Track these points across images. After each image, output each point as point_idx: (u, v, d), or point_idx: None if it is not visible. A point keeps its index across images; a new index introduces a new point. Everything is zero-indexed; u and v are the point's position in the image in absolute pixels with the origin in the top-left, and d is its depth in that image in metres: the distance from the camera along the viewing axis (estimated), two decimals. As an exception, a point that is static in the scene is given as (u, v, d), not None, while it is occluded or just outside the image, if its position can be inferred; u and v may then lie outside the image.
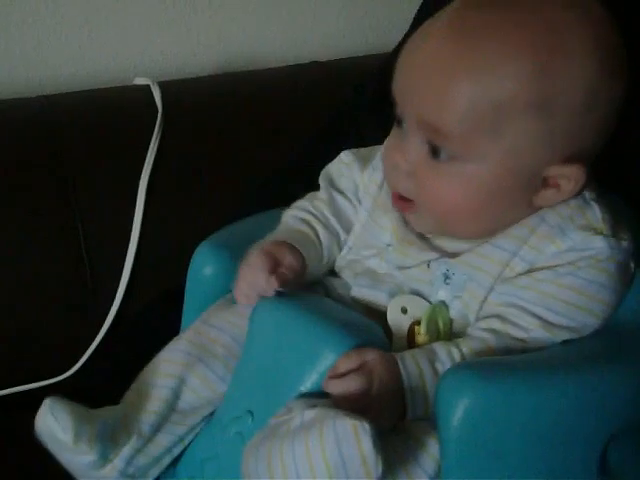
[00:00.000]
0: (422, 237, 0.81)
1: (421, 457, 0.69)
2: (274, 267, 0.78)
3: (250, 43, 1.36)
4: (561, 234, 0.75)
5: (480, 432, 0.68)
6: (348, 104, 1.12)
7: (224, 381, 0.80)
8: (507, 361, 0.71)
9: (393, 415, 0.71)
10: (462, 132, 0.73)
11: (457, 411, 0.67)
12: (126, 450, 0.78)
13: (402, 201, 0.79)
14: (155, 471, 0.82)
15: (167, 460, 0.82)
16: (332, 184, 0.89)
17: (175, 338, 0.84)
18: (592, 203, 0.77)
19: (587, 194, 0.78)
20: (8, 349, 1.08)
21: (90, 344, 1.08)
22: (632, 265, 0.77)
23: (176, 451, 0.82)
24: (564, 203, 0.77)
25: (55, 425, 0.75)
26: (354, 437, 0.63)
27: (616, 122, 0.77)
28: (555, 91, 0.72)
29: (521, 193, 0.76)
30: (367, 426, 0.63)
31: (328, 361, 0.71)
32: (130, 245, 1.09)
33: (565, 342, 0.75)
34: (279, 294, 0.78)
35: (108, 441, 0.77)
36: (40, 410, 0.76)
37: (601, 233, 0.75)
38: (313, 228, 0.86)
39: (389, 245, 0.82)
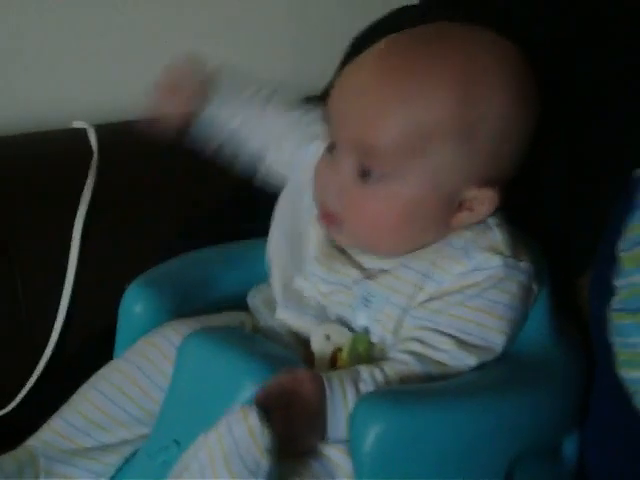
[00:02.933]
0: (344, 252, 0.87)
1: (336, 474, 0.73)
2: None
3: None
4: (465, 255, 0.81)
5: (391, 457, 0.72)
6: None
7: (140, 422, 0.83)
8: (416, 389, 0.76)
9: (316, 433, 0.75)
10: (392, 151, 0.79)
11: (368, 437, 0.71)
12: None
13: (328, 217, 0.85)
14: None
15: None
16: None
17: (95, 374, 0.87)
18: (494, 227, 0.83)
19: (490, 220, 0.84)
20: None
21: (26, 382, 1.08)
22: (534, 287, 0.83)
23: None
24: (468, 227, 0.83)
25: None
26: (242, 417, 0.69)
27: (527, 154, 0.84)
28: (474, 119, 0.79)
29: (440, 213, 0.82)
30: (254, 406, 0.69)
31: (248, 391, 0.75)
32: (65, 286, 1.10)
33: (480, 367, 0.79)
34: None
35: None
36: None
37: (500, 253, 0.81)
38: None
39: (314, 258, 0.88)
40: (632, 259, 0.77)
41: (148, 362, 0.84)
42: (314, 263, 0.87)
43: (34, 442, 0.84)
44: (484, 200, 0.81)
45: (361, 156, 0.81)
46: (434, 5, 1.10)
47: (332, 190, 0.83)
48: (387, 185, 0.80)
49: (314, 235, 0.89)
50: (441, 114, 0.78)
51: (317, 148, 0.89)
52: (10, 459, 0.82)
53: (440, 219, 0.82)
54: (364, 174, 0.81)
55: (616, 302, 0.79)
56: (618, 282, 0.79)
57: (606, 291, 0.80)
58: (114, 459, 0.84)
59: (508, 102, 0.80)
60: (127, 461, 0.84)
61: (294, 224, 0.92)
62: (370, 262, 0.86)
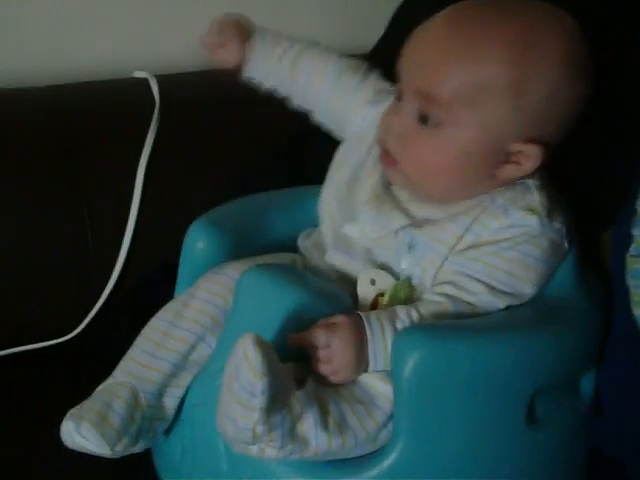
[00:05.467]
0: (394, 199, 0.94)
1: (377, 399, 0.83)
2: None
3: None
4: (504, 213, 0.88)
5: (426, 382, 0.81)
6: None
7: (211, 346, 0.90)
8: (452, 324, 0.84)
9: (359, 366, 0.84)
10: (448, 100, 0.86)
11: (408, 364, 0.80)
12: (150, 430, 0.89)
13: (387, 156, 0.92)
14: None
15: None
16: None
17: (162, 309, 0.93)
18: (533, 189, 0.90)
19: (531, 182, 0.90)
20: (18, 310, 1.17)
21: (91, 310, 1.17)
22: (566, 244, 0.90)
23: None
24: (510, 187, 0.90)
25: (88, 444, 0.83)
26: (241, 343, 0.76)
27: (574, 123, 0.90)
28: (525, 78, 0.85)
29: (487, 162, 0.89)
30: (252, 333, 0.76)
31: (298, 322, 0.83)
32: (128, 224, 1.18)
33: (507, 308, 0.87)
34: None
35: (132, 434, 0.86)
36: (64, 428, 0.83)
37: (536, 213, 0.88)
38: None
39: (365, 201, 0.95)
40: None
41: (215, 296, 0.91)
42: (364, 207, 0.94)
43: (127, 378, 0.88)
44: (529, 156, 0.88)
45: (422, 102, 0.88)
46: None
47: (394, 132, 0.90)
48: (442, 130, 0.87)
49: (368, 183, 0.96)
50: (495, 70, 0.85)
51: (384, 106, 0.96)
52: (119, 401, 0.86)
53: (487, 168, 0.89)
54: (423, 119, 0.88)
55: (632, 249, 0.86)
56: (635, 231, 0.86)
57: (626, 240, 0.87)
58: (189, 380, 0.90)
59: (559, 67, 0.86)
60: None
61: (349, 173, 0.98)
62: (418, 210, 0.92)
